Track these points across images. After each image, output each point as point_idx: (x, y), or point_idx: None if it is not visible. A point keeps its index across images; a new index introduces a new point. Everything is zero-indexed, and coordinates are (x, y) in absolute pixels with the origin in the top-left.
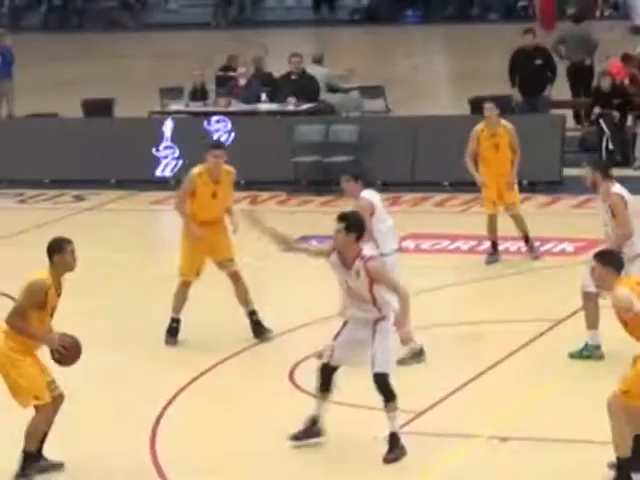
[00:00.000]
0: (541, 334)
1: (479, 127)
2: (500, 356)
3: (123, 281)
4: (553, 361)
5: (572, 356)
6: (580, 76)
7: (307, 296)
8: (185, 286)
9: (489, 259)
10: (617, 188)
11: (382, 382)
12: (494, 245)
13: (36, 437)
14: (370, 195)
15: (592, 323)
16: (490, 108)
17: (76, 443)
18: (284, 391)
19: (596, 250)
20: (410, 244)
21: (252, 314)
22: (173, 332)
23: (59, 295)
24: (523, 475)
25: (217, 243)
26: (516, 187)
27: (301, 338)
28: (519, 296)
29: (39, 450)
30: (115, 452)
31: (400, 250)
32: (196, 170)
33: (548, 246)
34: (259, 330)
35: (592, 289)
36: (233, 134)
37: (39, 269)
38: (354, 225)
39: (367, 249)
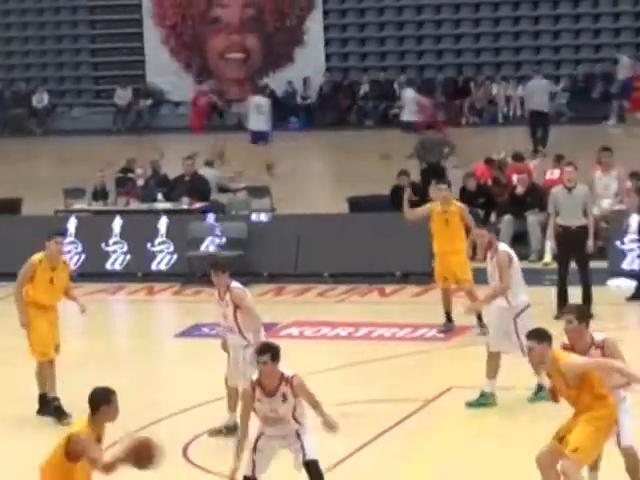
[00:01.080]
0: (413, 412)
1: (434, 203)
2: (376, 432)
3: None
4: (425, 437)
5: (470, 405)
6: (433, 175)
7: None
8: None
9: (446, 327)
10: (503, 246)
11: (315, 467)
12: (448, 316)
13: None
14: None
15: (492, 373)
16: (441, 188)
17: None
18: (179, 465)
19: (528, 333)
20: (294, 331)
21: (56, 400)
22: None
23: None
24: None
25: (53, 327)
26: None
27: (191, 419)
28: (394, 377)
29: None
30: None
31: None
32: (37, 257)
33: (421, 332)
34: (61, 415)
35: (495, 349)
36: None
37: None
38: (278, 353)
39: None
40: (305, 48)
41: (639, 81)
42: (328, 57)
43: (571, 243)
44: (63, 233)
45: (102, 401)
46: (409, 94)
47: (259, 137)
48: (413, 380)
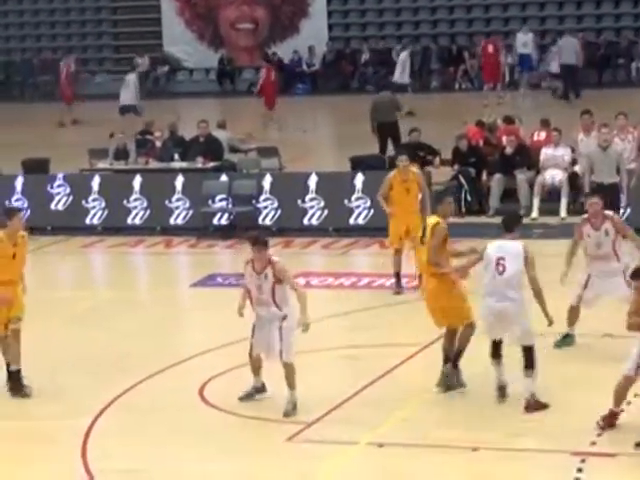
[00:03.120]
0: (411, 356)
1: (392, 174)
2: (378, 374)
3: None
4: (423, 379)
5: (557, 345)
6: (388, 131)
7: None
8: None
9: (397, 289)
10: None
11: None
12: (398, 277)
13: None
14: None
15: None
16: (403, 159)
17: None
18: (196, 405)
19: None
20: (302, 280)
21: (19, 372)
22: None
23: None
24: (397, 476)
25: (14, 301)
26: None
27: (206, 362)
28: (395, 323)
29: None
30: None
31: None
32: None
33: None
34: (19, 388)
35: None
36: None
37: None
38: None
39: None
40: (309, 19)
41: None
42: (331, 27)
43: (605, 198)
44: (20, 210)
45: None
46: (403, 57)
47: (126, 110)
48: (413, 325)
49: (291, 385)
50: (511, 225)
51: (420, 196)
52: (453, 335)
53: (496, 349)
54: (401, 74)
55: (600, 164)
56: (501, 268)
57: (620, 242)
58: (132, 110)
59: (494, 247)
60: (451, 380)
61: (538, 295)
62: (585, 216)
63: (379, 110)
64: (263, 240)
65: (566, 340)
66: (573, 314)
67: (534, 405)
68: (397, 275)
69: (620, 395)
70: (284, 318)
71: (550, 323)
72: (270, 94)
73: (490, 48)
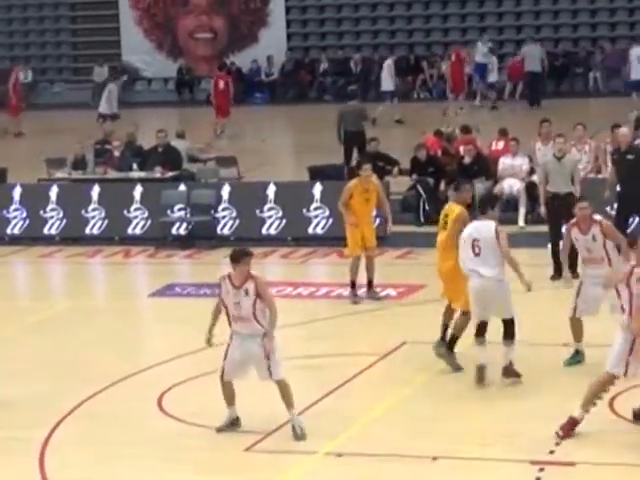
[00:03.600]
0: (370, 366)
1: (353, 183)
2: (336, 384)
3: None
4: (381, 389)
5: (567, 363)
6: (354, 141)
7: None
8: None
9: (354, 298)
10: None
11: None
12: (354, 285)
13: None
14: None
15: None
16: (367, 169)
17: None
18: (154, 414)
19: None
20: None
21: None
22: None
23: None
24: None
25: None
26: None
27: (164, 372)
28: (353, 333)
29: None
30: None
31: None
32: None
33: (377, 290)
34: None
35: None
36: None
37: None
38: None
39: None
40: (268, 29)
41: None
42: (290, 37)
43: (560, 208)
44: None
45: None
46: (388, 65)
47: (106, 117)
48: (372, 335)
49: (289, 404)
50: (483, 207)
51: (376, 207)
52: (452, 312)
53: (480, 329)
54: (388, 81)
55: (555, 174)
56: (477, 249)
57: (612, 246)
58: (110, 118)
59: (469, 229)
60: (439, 351)
61: (512, 264)
62: (573, 220)
63: (346, 119)
64: (244, 253)
65: (576, 357)
66: (575, 327)
67: (511, 372)
68: (353, 284)
69: (594, 394)
70: (265, 334)
71: (528, 289)
72: (221, 103)
73: (454, 57)
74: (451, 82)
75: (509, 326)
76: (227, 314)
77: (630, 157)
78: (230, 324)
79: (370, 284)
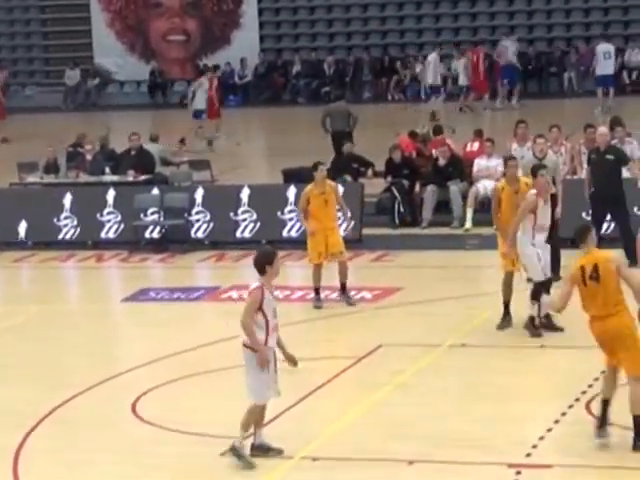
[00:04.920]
0: (345, 369)
1: (309, 188)
2: (311, 388)
3: None
4: (356, 391)
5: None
6: (342, 140)
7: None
8: None
9: (317, 304)
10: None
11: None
12: (318, 292)
13: None
14: None
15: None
16: (323, 169)
17: None
18: (128, 420)
19: None
20: (234, 294)
21: None
22: None
23: None
24: None
25: None
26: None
27: (138, 377)
28: (328, 336)
29: None
30: None
31: None
32: None
33: (351, 294)
34: None
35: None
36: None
37: None
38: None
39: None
40: (241, 30)
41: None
42: (262, 39)
43: None
44: None
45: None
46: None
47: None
48: (347, 338)
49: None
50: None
51: (338, 207)
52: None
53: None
54: (433, 76)
55: None
56: None
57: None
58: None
59: None
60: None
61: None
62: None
63: (334, 119)
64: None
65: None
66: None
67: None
68: (317, 290)
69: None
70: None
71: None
72: (215, 104)
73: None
74: (471, 81)
75: (535, 287)
76: (266, 327)
77: (610, 157)
78: (267, 341)
79: (343, 288)
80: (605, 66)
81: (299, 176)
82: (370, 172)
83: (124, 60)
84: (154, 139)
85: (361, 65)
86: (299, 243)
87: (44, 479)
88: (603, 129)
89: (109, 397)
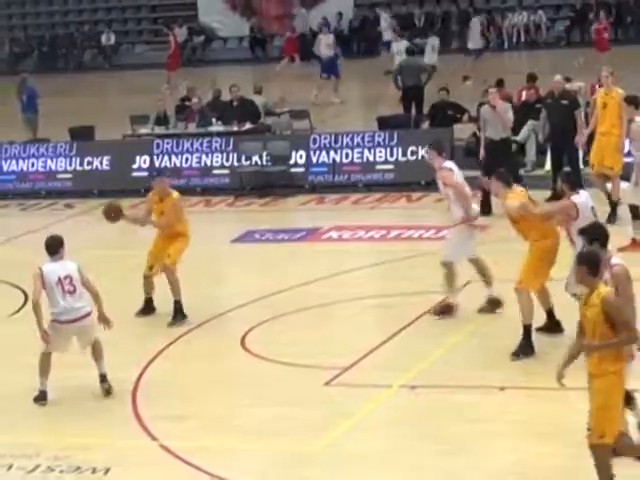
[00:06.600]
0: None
1: (149, 196)
2: (410, 320)
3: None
4: (455, 323)
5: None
6: (412, 96)
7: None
8: None
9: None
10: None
11: None
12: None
13: None
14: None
15: None
16: (162, 178)
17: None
18: (238, 354)
19: None
20: (334, 234)
21: None
22: None
23: None
24: (428, 414)
25: None
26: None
27: (246, 313)
28: (423, 272)
29: None
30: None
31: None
32: None
33: (444, 232)
34: None
35: None
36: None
37: None
38: None
39: None
40: None
41: None
42: None
43: (496, 154)
44: None
45: None
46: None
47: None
48: (439, 274)
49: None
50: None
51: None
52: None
53: None
54: (474, 39)
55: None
56: None
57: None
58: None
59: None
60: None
61: None
62: None
63: (406, 74)
64: None
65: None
66: None
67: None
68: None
69: None
70: None
71: None
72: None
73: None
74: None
75: None
76: None
77: (564, 102)
78: None
79: None
80: None
81: (393, 123)
82: (466, 117)
83: (226, 18)
84: (258, 91)
85: (450, 16)
86: (394, 186)
87: (160, 409)
88: (558, 77)
89: (220, 332)
